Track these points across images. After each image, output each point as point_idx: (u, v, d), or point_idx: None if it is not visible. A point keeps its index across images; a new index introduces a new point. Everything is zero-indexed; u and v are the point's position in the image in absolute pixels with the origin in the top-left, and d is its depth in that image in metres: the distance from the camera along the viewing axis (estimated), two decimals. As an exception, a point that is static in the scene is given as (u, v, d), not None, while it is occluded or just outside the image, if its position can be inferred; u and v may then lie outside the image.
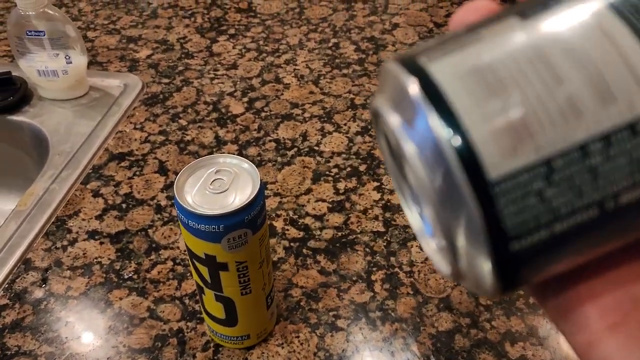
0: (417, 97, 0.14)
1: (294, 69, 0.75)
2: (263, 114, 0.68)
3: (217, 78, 0.74)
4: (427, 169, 0.14)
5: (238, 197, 0.37)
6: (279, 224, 0.56)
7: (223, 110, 0.69)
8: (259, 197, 0.37)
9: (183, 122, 0.68)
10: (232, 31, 0.83)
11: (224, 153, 0.63)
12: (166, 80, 0.74)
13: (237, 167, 0.39)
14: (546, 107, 0.13)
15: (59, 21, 0.66)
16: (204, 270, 0.39)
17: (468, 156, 0.13)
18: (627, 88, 0.13)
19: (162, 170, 0.62)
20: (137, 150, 0.64)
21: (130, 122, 0.68)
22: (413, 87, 0.14)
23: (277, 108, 0.69)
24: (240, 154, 0.63)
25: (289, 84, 0.73)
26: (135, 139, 0.65)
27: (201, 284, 0.41)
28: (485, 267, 0.14)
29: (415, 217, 0.17)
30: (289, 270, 0.52)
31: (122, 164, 0.62)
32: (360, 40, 0.81)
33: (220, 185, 0.38)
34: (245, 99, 0.71)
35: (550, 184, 0.13)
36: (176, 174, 0.61)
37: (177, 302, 0.49)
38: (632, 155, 0.13)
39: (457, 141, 0.13)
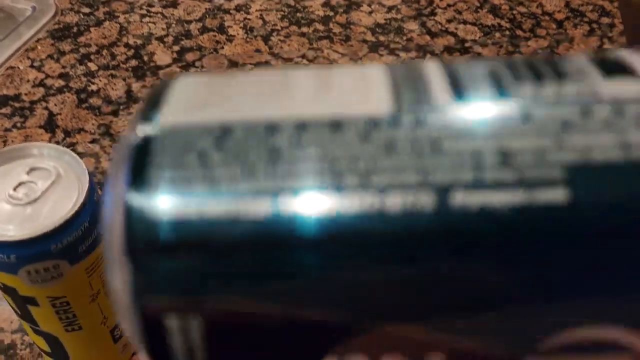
0: None
1: (244, 19, 0.62)
2: (193, 70, 0.56)
3: (150, 16, 0.61)
4: None
5: (50, 213, 0.26)
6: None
7: (145, 57, 0.57)
8: (82, 216, 0.26)
9: (92, 67, 0.55)
10: (183, -40, 0.70)
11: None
12: (86, 10, 0.61)
13: (61, 166, 0.27)
14: None
15: None
16: (9, 300, 0.28)
17: None
18: (344, 91, 0.13)
19: (50, 125, 0.50)
20: (26, 95, 0.52)
21: (28, 58, 0.55)
22: None
23: (212, 65, 0.57)
24: (150, 117, 0.51)
25: (234, 36, 0.60)
26: (28, 80, 0.53)
27: (13, 310, 0.30)
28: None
29: None
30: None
31: (3, 110, 0.50)
32: (332, -7, 0.67)
33: (28, 192, 0.26)
34: (176, 48, 0.58)
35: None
36: (66, 132, 0.49)
37: (16, 307, 0.39)
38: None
39: None
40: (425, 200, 0.11)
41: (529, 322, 0.11)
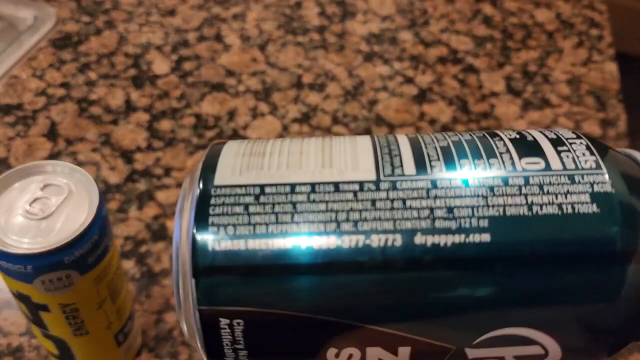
0: None
1: (241, 28, 0.65)
2: (190, 79, 0.59)
3: (148, 25, 0.64)
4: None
5: (63, 227, 0.28)
6: (172, 225, 0.47)
7: (144, 67, 0.59)
8: (92, 230, 0.29)
9: (93, 76, 0.58)
10: (181, -32, 0.72)
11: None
12: (87, 19, 0.63)
13: (73, 182, 0.30)
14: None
15: None
16: (22, 306, 0.31)
17: None
18: (342, 163, 0.18)
19: (52, 134, 0.52)
20: (28, 104, 0.54)
21: (31, 67, 0.58)
22: None
23: (209, 74, 0.59)
24: (150, 127, 0.54)
25: (231, 45, 0.63)
26: (30, 90, 0.56)
27: (24, 314, 0.33)
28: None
29: None
30: (171, 287, 0.44)
31: (6, 118, 0.53)
32: (327, 2, 0.70)
33: (42, 207, 0.29)
34: (174, 57, 0.61)
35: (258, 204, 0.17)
36: (68, 141, 0.52)
37: (23, 311, 0.41)
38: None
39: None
40: (396, 241, 0.16)
41: (468, 325, 0.17)
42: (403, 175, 0.17)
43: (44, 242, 0.27)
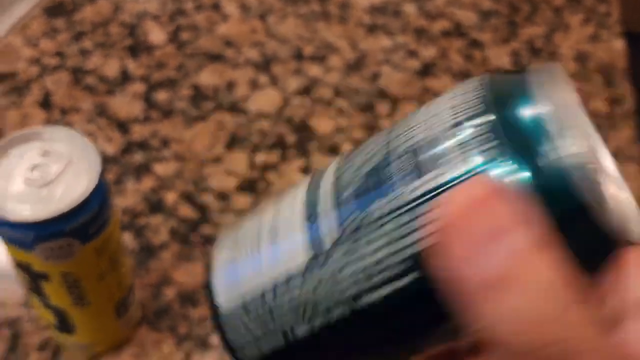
0: None
1: (240, -3, 0.65)
2: (188, 50, 0.58)
3: (145, -7, 0.63)
4: None
5: (64, 195, 0.28)
6: (170, 197, 0.47)
7: (141, 37, 0.59)
8: (94, 199, 0.29)
9: (87, 45, 0.57)
10: None
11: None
12: (81, -13, 0.63)
13: (73, 149, 0.30)
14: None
15: None
16: (22, 275, 0.31)
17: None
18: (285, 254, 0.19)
19: (46, 104, 0.52)
20: (22, 73, 0.54)
21: (24, 35, 0.57)
22: None
23: (207, 44, 0.59)
24: (147, 98, 0.54)
25: (229, 15, 0.62)
26: (25, 58, 0.55)
27: (23, 284, 0.33)
28: None
29: None
30: (169, 260, 0.44)
31: (0, 87, 0.53)
32: (329, -28, 0.69)
33: (42, 174, 0.29)
34: (171, 27, 0.60)
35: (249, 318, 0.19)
36: (63, 111, 0.52)
37: (19, 283, 0.41)
38: (290, 302, 0.18)
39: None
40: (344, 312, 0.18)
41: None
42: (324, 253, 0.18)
43: (45, 209, 0.28)
